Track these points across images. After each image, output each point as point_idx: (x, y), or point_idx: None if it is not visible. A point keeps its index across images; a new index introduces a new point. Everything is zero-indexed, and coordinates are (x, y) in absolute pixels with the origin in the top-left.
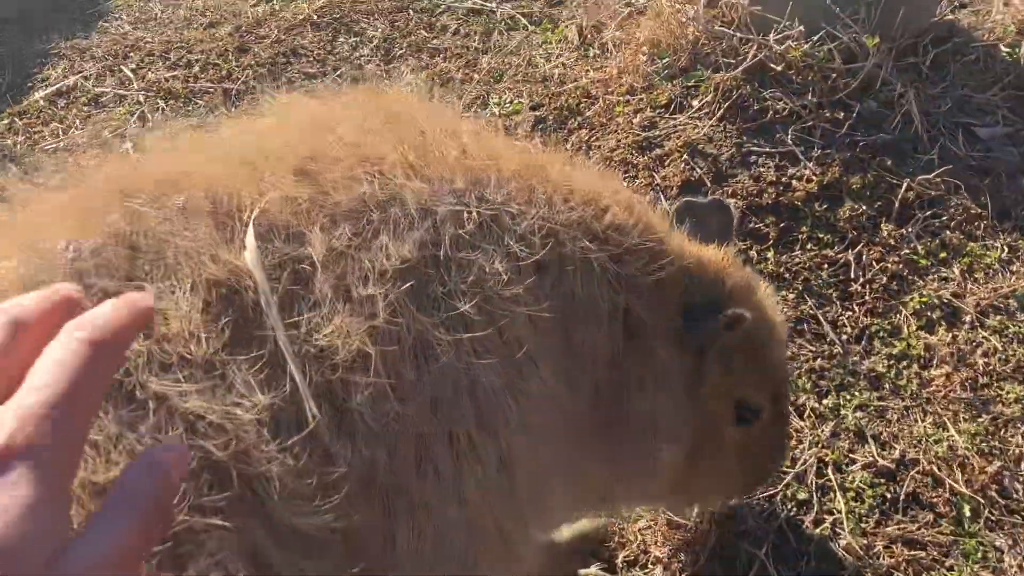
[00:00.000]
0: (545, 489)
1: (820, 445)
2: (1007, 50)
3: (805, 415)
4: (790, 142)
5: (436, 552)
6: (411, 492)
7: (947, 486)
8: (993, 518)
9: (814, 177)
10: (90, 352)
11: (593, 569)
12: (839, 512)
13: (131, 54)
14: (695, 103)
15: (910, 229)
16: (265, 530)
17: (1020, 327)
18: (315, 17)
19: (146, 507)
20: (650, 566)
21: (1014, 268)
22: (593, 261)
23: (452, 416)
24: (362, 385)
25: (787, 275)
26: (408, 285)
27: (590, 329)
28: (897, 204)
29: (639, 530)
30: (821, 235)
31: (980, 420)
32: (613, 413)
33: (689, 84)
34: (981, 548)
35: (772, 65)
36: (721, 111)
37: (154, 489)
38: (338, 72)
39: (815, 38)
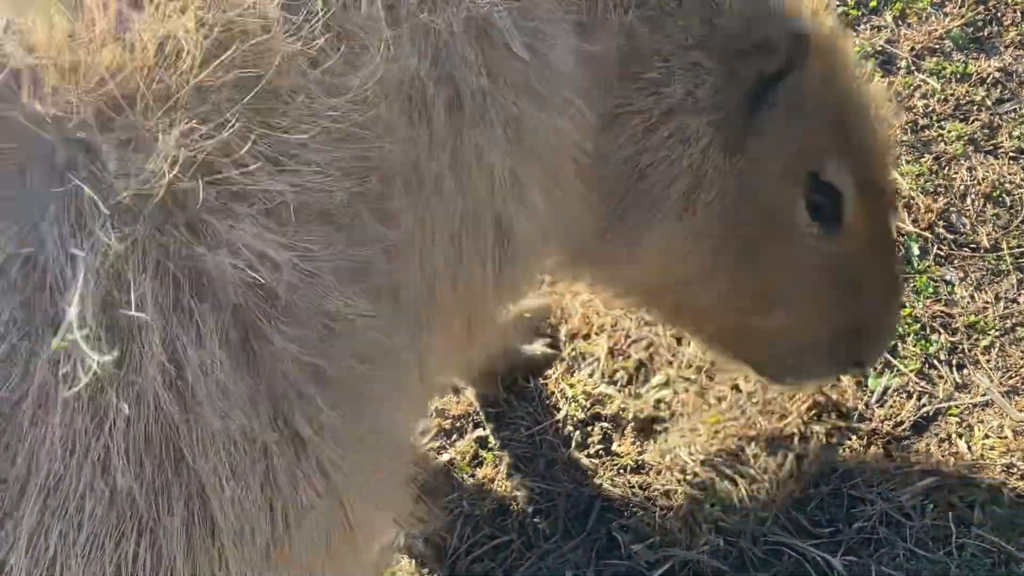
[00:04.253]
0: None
1: None
2: None
3: None
4: None
5: None
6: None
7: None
8: (943, 253)
9: None
10: None
11: (538, 345)
12: None
13: None
14: None
15: None
16: None
17: (957, 66)
18: None
19: None
20: (594, 336)
21: (947, 10)
22: None
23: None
24: None
25: None
26: None
27: None
28: None
29: (581, 304)
30: None
31: (923, 160)
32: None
33: None
34: (932, 283)
35: None
36: None
37: None
38: None
39: None
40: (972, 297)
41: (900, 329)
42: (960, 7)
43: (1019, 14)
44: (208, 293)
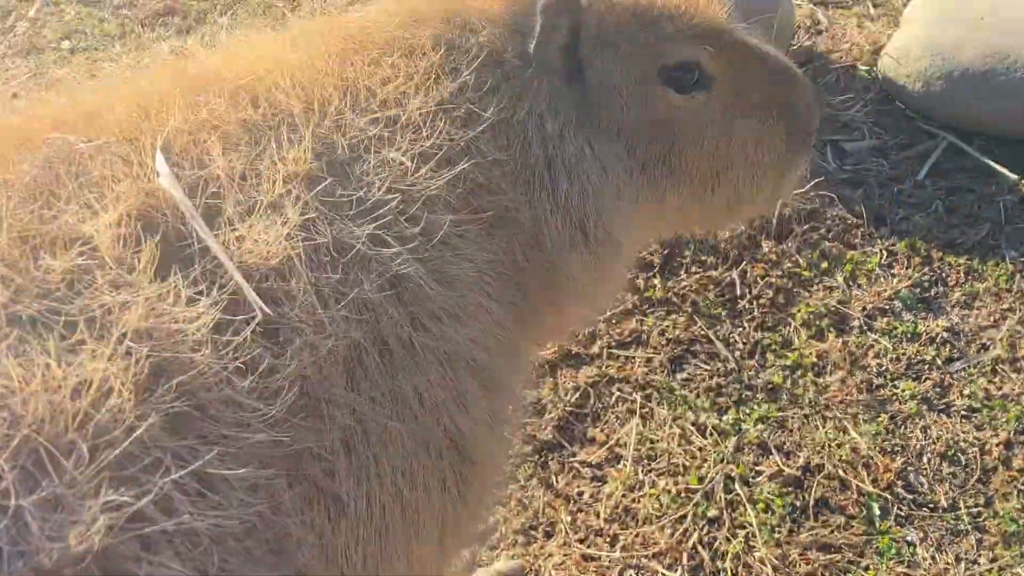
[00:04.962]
0: (497, 376)
1: (725, 461)
2: (864, 69)
3: (707, 433)
4: None
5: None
6: (341, 403)
7: (854, 487)
8: (903, 513)
9: None
10: None
11: None
12: (751, 525)
13: None
14: None
15: (790, 244)
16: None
17: (907, 326)
18: None
19: None
20: None
21: (895, 271)
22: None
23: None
24: (292, 290)
25: (675, 299)
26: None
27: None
28: (775, 221)
29: (554, 567)
30: (704, 258)
31: (879, 420)
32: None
33: None
34: (894, 544)
35: None
36: None
37: None
38: None
39: None
40: (933, 558)
41: None
42: (907, 268)
43: (963, 274)
44: None
